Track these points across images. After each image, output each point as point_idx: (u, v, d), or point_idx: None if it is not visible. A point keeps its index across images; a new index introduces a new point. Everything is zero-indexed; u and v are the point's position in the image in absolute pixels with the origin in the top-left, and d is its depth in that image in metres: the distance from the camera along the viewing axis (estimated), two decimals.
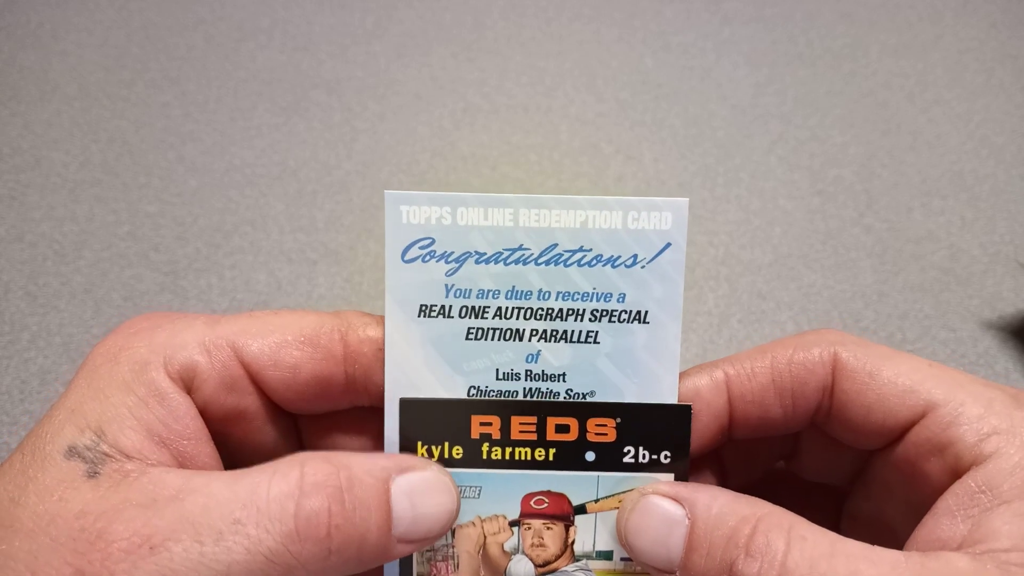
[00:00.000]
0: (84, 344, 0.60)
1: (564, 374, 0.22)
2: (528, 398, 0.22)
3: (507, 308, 0.21)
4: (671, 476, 0.21)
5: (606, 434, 0.21)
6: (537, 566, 0.21)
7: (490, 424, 0.21)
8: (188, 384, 0.21)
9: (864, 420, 0.20)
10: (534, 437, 0.21)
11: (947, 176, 0.77)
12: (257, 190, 0.73)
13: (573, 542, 0.21)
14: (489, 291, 0.21)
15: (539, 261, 0.21)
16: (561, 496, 0.21)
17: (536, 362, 0.22)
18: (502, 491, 0.21)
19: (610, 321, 0.22)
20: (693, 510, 0.19)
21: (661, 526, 0.20)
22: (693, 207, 0.73)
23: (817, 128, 0.82)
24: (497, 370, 0.22)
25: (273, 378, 0.21)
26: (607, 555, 0.22)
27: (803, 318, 0.64)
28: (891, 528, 0.21)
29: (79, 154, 0.76)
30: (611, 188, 0.73)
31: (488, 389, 0.22)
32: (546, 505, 0.21)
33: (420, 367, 0.21)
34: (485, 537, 0.21)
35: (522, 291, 0.21)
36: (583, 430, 0.21)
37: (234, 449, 0.23)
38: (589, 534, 0.21)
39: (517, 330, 0.21)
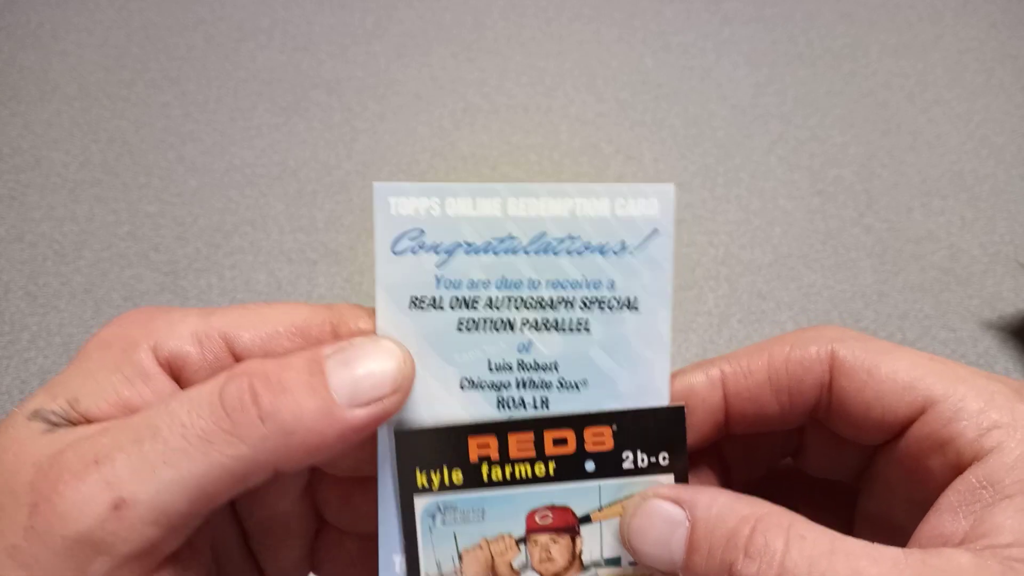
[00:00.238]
0: None
1: (556, 363, 0.21)
2: (521, 389, 0.21)
3: (498, 298, 0.21)
4: (671, 477, 0.21)
5: (603, 442, 0.21)
6: None
7: (487, 445, 0.21)
8: (177, 373, 0.21)
9: (863, 417, 0.20)
10: (533, 453, 0.21)
11: (947, 176, 0.77)
12: (257, 190, 0.73)
13: (581, 552, 0.21)
14: (479, 282, 0.21)
15: (529, 250, 0.21)
16: (565, 509, 0.21)
17: (528, 352, 0.21)
18: (506, 510, 0.21)
19: (600, 309, 0.21)
20: (693, 511, 0.19)
21: (663, 528, 0.20)
22: (693, 207, 0.73)
23: (817, 128, 0.82)
24: (489, 361, 0.21)
25: None
26: (615, 561, 0.21)
27: (803, 318, 0.64)
28: (900, 526, 0.21)
29: (79, 154, 0.76)
30: None
31: (480, 380, 0.21)
32: (550, 519, 0.21)
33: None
34: (493, 558, 0.21)
35: (512, 281, 0.21)
36: (580, 440, 0.21)
37: None
38: (596, 543, 0.21)
39: (508, 320, 0.21)
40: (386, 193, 0.21)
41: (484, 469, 0.21)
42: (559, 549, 0.21)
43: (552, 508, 0.21)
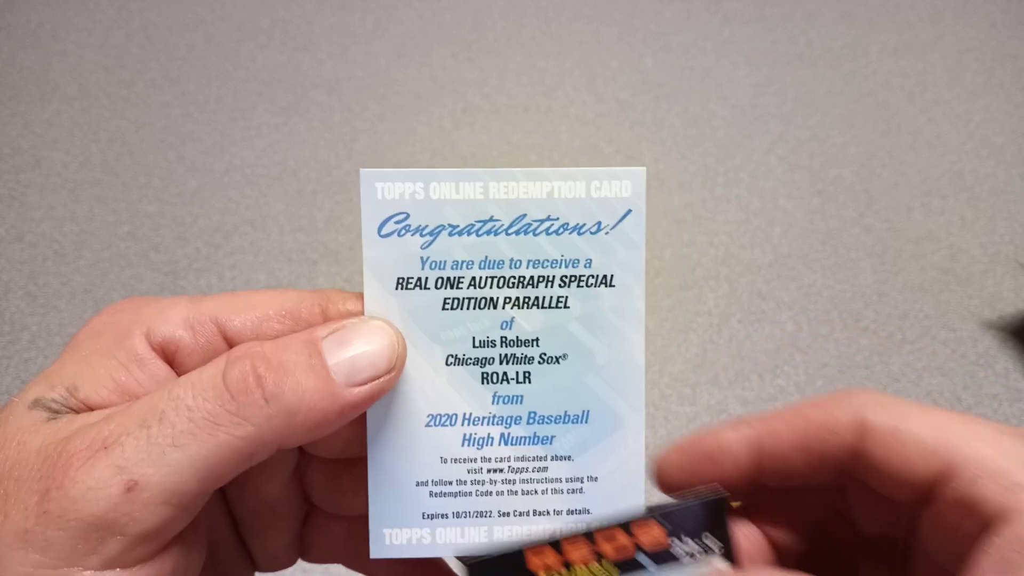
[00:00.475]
0: None
1: (537, 339, 0.22)
2: (504, 364, 0.22)
3: (481, 278, 0.22)
4: (720, 557, 0.22)
5: (653, 535, 0.22)
6: None
7: (546, 555, 0.22)
8: (170, 357, 0.22)
9: (893, 480, 0.21)
10: (591, 556, 0.22)
11: (947, 176, 0.77)
12: (257, 190, 0.73)
13: None
14: (463, 262, 0.22)
15: (510, 231, 0.22)
16: None
17: (510, 329, 0.22)
18: None
19: (579, 286, 0.22)
20: None
21: None
22: (693, 207, 0.73)
23: (817, 128, 0.82)
24: (473, 338, 0.22)
25: None
26: None
27: (803, 318, 0.64)
28: None
29: (79, 154, 0.76)
30: None
31: (465, 357, 0.22)
32: None
33: None
34: None
35: (494, 260, 0.22)
36: (631, 537, 0.22)
37: None
38: None
39: (491, 298, 0.22)
40: (372, 178, 0.22)
41: None
42: None
43: None
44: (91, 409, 0.20)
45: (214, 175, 0.75)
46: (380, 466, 0.22)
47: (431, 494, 0.22)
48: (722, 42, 0.92)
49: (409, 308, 0.22)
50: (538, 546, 0.22)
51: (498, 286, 0.22)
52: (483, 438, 0.23)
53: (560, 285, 0.22)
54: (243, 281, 0.65)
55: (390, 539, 0.23)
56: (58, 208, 0.71)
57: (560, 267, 0.22)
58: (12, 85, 0.84)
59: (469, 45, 0.91)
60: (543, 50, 0.91)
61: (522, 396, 0.23)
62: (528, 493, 0.23)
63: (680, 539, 0.22)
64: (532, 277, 0.22)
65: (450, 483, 0.23)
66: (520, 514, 0.23)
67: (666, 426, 0.57)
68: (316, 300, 0.22)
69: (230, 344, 0.22)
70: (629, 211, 0.22)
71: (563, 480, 0.23)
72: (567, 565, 0.22)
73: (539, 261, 0.22)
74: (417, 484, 0.22)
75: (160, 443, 0.18)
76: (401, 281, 0.22)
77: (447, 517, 0.23)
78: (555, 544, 0.22)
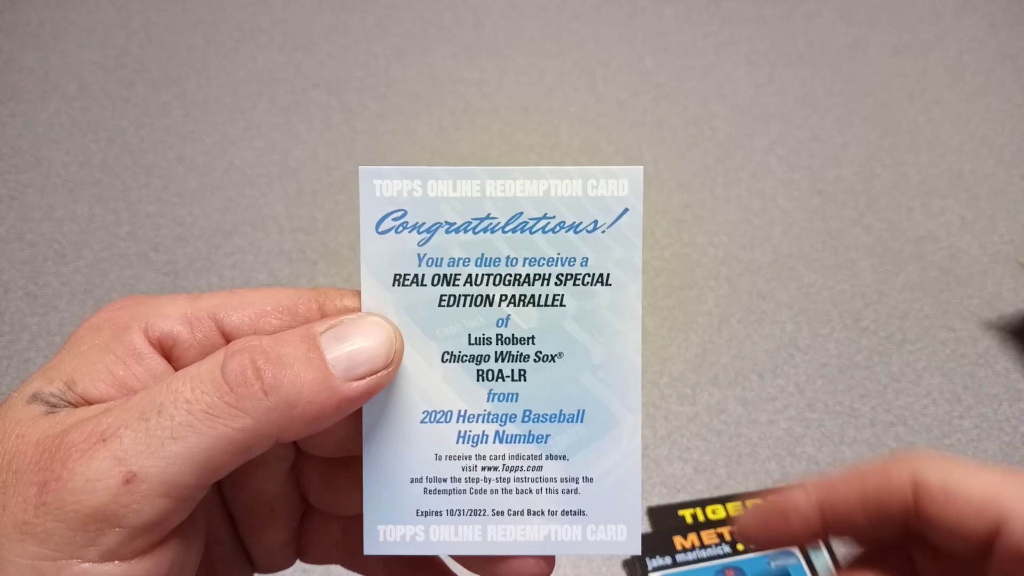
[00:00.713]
0: None
1: (533, 337, 0.22)
2: (500, 361, 0.23)
3: (477, 275, 0.22)
4: None
5: None
6: None
7: None
8: (168, 352, 0.22)
9: (949, 537, 0.22)
10: None
11: (947, 176, 0.77)
12: (257, 190, 0.73)
13: None
14: (459, 259, 0.22)
15: (506, 229, 0.22)
16: None
17: (506, 326, 0.23)
18: None
19: (575, 284, 0.22)
20: None
21: None
22: (693, 207, 0.73)
23: (817, 128, 0.82)
24: (469, 335, 0.22)
25: None
26: None
27: (803, 318, 0.64)
28: None
29: (79, 154, 0.76)
30: None
31: (461, 354, 0.22)
32: None
33: None
34: None
35: (491, 258, 0.22)
36: None
37: None
38: None
39: (487, 296, 0.22)
40: (371, 176, 0.22)
41: None
42: None
43: None
44: (89, 403, 0.20)
45: (214, 175, 0.75)
46: (375, 462, 0.22)
47: (425, 491, 0.23)
48: (722, 42, 0.92)
49: (405, 304, 0.22)
50: None
51: (494, 283, 0.22)
52: (478, 435, 0.23)
53: (556, 283, 0.22)
54: (243, 281, 0.65)
55: (384, 536, 0.23)
56: (58, 208, 0.71)
57: (556, 265, 0.22)
58: (12, 85, 0.84)
59: (469, 45, 0.91)
60: (543, 50, 0.91)
61: (517, 394, 0.23)
62: (523, 492, 0.23)
63: None
64: (528, 275, 0.22)
65: (444, 480, 0.23)
66: (514, 513, 0.23)
67: (666, 426, 0.57)
68: (313, 297, 0.22)
69: (228, 340, 0.22)
70: (626, 210, 0.22)
71: (558, 480, 0.23)
72: None
73: (535, 259, 0.22)
74: (411, 481, 0.23)
75: (159, 435, 0.18)
76: (398, 278, 0.22)
77: (441, 515, 0.23)
78: None
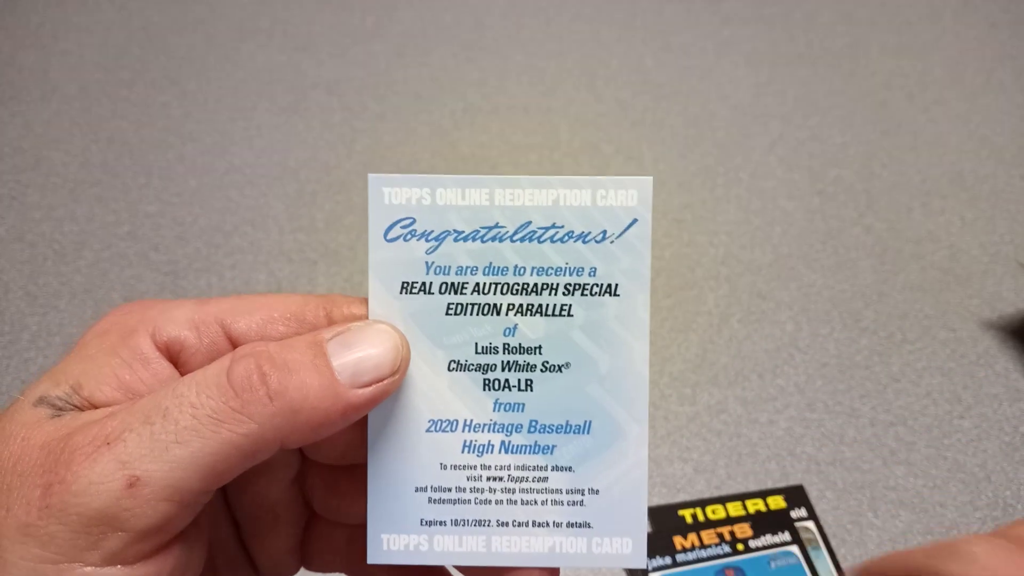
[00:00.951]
0: None
1: (540, 347, 0.22)
2: (506, 371, 0.22)
3: (484, 284, 0.22)
4: None
5: None
6: None
7: None
8: (174, 357, 0.22)
9: None
10: None
11: (947, 176, 0.77)
12: (257, 190, 0.73)
13: None
14: (467, 267, 0.22)
15: (514, 238, 0.22)
16: None
17: (513, 336, 0.22)
18: None
19: (583, 294, 0.22)
20: None
21: None
22: (693, 207, 0.73)
23: (817, 128, 0.82)
24: (476, 344, 0.22)
25: None
26: None
27: (803, 318, 0.64)
28: None
29: (79, 154, 0.76)
30: None
31: (467, 363, 0.22)
32: None
33: None
34: None
35: (498, 267, 0.22)
36: None
37: None
38: None
39: (494, 305, 0.22)
40: (380, 183, 0.22)
41: None
42: None
43: None
44: (95, 407, 0.20)
45: (214, 175, 0.75)
46: (380, 470, 0.22)
47: (430, 500, 0.22)
48: (722, 42, 0.92)
49: (413, 312, 0.22)
50: None
51: (502, 293, 0.22)
52: (483, 445, 0.22)
53: (564, 293, 0.22)
54: (243, 281, 0.65)
55: (388, 544, 0.22)
56: (58, 208, 0.71)
57: (564, 275, 0.22)
58: (12, 85, 0.84)
59: (469, 45, 0.91)
60: (543, 50, 0.91)
61: (523, 404, 0.22)
62: (528, 503, 0.22)
63: None
64: (536, 284, 0.22)
65: (449, 490, 0.22)
66: (519, 524, 0.22)
67: (666, 426, 0.57)
68: (321, 304, 0.22)
69: (234, 345, 0.22)
70: (635, 220, 0.22)
71: (563, 491, 0.23)
72: None
73: (543, 269, 0.22)
74: (416, 490, 0.22)
75: (163, 439, 0.18)
76: (405, 286, 0.22)
77: (445, 524, 0.22)
78: None
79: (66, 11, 0.93)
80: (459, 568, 0.24)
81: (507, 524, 0.22)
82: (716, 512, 0.52)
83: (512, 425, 0.22)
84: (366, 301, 0.22)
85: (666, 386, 0.59)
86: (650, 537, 0.51)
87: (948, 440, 0.57)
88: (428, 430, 0.22)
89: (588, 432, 0.22)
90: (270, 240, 0.69)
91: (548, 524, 0.22)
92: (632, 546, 0.23)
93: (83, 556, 0.18)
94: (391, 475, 0.22)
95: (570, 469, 0.22)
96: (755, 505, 0.53)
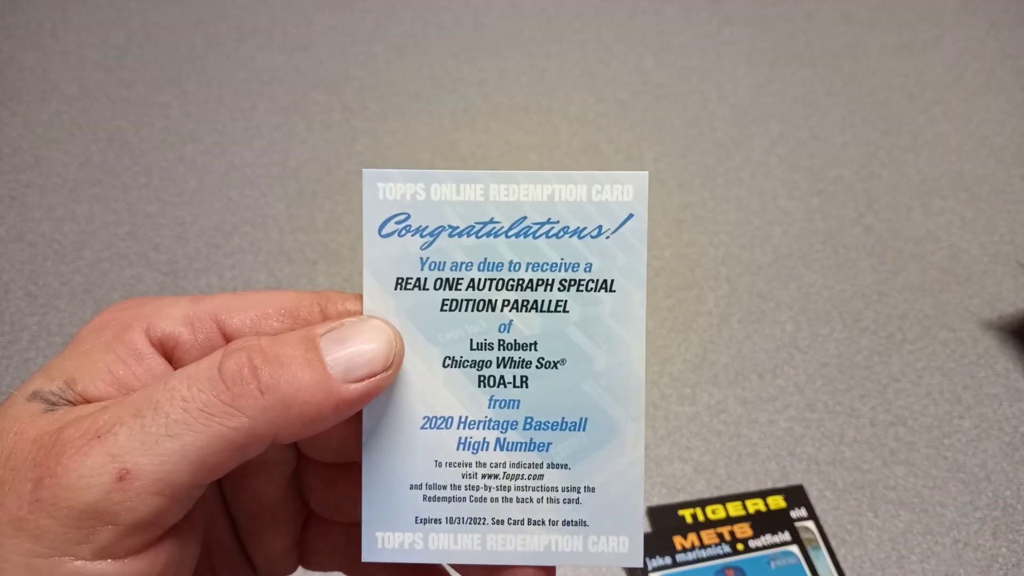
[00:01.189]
0: None
1: (535, 343, 0.22)
2: (502, 367, 0.22)
3: (479, 279, 0.22)
4: None
5: None
6: None
7: None
8: (169, 353, 0.22)
9: None
10: None
11: (947, 176, 0.77)
12: (257, 190, 0.73)
13: None
14: (462, 263, 0.22)
15: (509, 233, 0.22)
16: None
17: (508, 332, 0.22)
18: None
19: (578, 290, 0.22)
20: None
21: None
22: (693, 207, 0.73)
23: (817, 128, 0.82)
24: (471, 340, 0.22)
25: None
26: None
27: (803, 318, 0.64)
28: None
29: (79, 154, 0.76)
30: None
31: (462, 359, 0.22)
32: None
33: None
34: None
35: (493, 263, 0.22)
36: None
37: None
38: None
39: (489, 301, 0.22)
40: (375, 179, 0.22)
41: None
42: None
43: None
44: (89, 402, 0.20)
45: (214, 175, 0.75)
46: (374, 467, 0.22)
47: (425, 498, 0.22)
48: (722, 42, 0.92)
49: (407, 308, 0.22)
50: None
51: (497, 288, 0.22)
52: (478, 442, 0.22)
53: (559, 289, 0.22)
54: (243, 281, 0.65)
55: (382, 543, 0.22)
56: (58, 208, 0.71)
57: (560, 271, 0.22)
58: (12, 85, 0.84)
59: (469, 45, 0.91)
60: (543, 50, 0.91)
61: (519, 401, 0.22)
62: (523, 501, 0.22)
63: None
64: (531, 280, 0.22)
65: (444, 487, 0.22)
66: (514, 522, 0.22)
67: (666, 426, 0.57)
68: (315, 300, 0.22)
69: (229, 341, 0.22)
70: (631, 215, 0.22)
71: (559, 489, 0.22)
72: None
73: (538, 264, 0.22)
74: (411, 487, 0.22)
75: (154, 432, 0.18)
76: (400, 281, 0.22)
77: (440, 522, 0.22)
78: None
79: (66, 11, 0.93)
80: (455, 567, 0.24)
81: (502, 522, 0.22)
82: (716, 512, 0.52)
83: (507, 422, 0.22)
84: (361, 297, 0.22)
85: (666, 386, 0.59)
86: (650, 537, 0.51)
87: (948, 440, 0.57)
88: (423, 427, 0.22)
89: (584, 429, 0.22)
90: (270, 240, 0.69)
91: (544, 522, 0.22)
92: (628, 544, 0.22)
93: (74, 550, 0.18)
94: (385, 472, 0.22)
95: (566, 466, 0.22)
96: (755, 505, 0.53)
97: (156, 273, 0.66)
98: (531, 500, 0.22)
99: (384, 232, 0.22)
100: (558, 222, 0.22)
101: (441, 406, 0.22)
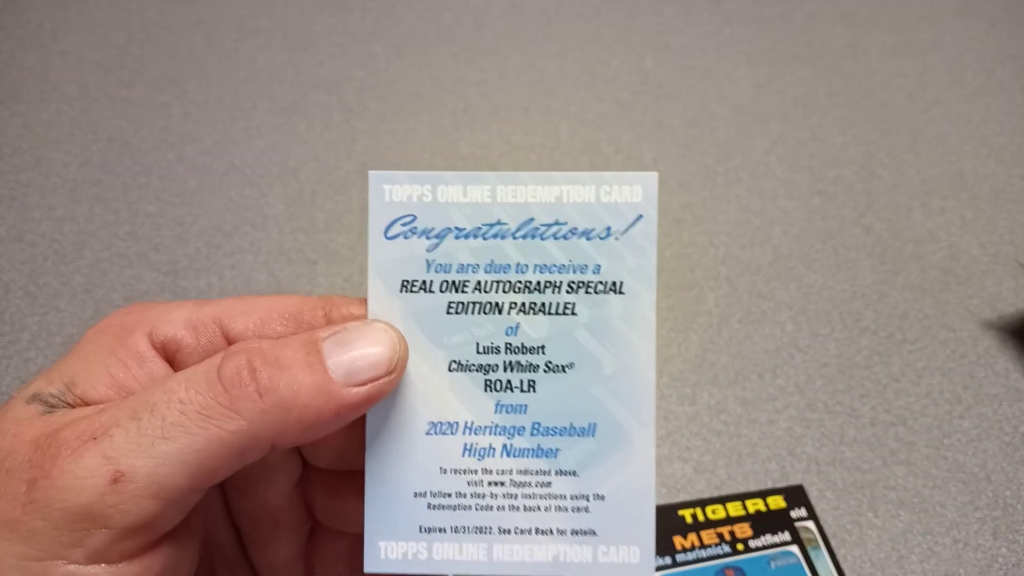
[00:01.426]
0: None
1: (543, 346, 0.22)
2: (509, 372, 0.22)
3: (486, 282, 0.22)
4: None
5: None
6: None
7: None
8: (171, 357, 0.22)
9: None
10: None
11: (947, 176, 0.77)
12: (257, 190, 0.73)
13: None
14: (468, 265, 0.22)
15: (516, 235, 0.22)
16: None
17: (515, 335, 0.22)
18: None
19: (587, 292, 0.22)
20: None
21: None
22: (693, 207, 0.73)
23: (817, 128, 0.82)
24: (477, 344, 0.22)
25: None
26: None
27: (803, 318, 0.64)
28: None
29: (79, 154, 0.76)
30: None
31: (468, 363, 0.22)
32: None
33: None
34: None
35: (500, 265, 0.22)
36: None
37: None
38: None
39: (496, 303, 0.22)
40: (380, 181, 0.22)
41: None
42: None
43: None
44: (88, 404, 0.20)
45: (214, 175, 0.75)
46: (377, 475, 0.22)
47: (429, 506, 0.22)
48: (722, 42, 0.92)
49: (413, 311, 0.22)
50: None
51: (504, 291, 0.22)
52: (485, 448, 0.22)
53: (567, 291, 0.22)
54: (243, 281, 0.65)
55: (385, 552, 0.22)
56: (58, 208, 0.71)
57: (568, 272, 0.22)
58: (12, 85, 0.84)
59: (469, 45, 0.91)
60: (543, 50, 0.91)
61: (526, 406, 0.22)
62: (530, 509, 0.22)
63: None
64: (539, 282, 0.22)
65: (449, 495, 0.22)
66: (522, 531, 0.22)
67: (666, 426, 0.57)
68: (320, 304, 0.22)
69: (231, 345, 0.22)
70: (640, 217, 0.22)
71: (567, 497, 0.22)
72: None
73: (546, 266, 0.22)
74: (415, 495, 0.22)
75: (150, 435, 0.18)
76: (406, 284, 0.22)
77: (445, 531, 0.22)
78: None
79: (66, 11, 0.93)
80: None
81: (509, 531, 0.22)
82: (716, 512, 0.52)
83: (514, 428, 0.22)
84: (365, 302, 0.22)
85: (666, 386, 0.59)
86: None
87: (948, 440, 0.57)
88: (427, 433, 0.22)
89: (593, 435, 0.22)
90: (270, 240, 0.69)
91: (552, 531, 0.22)
92: (640, 555, 0.22)
93: (66, 553, 0.18)
94: (389, 479, 0.22)
95: (574, 473, 0.22)
96: (755, 505, 0.53)
97: (156, 273, 0.66)
98: (539, 508, 0.22)
99: (390, 234, 0.22)
100: (566, 223, 0.22)
101: (446, 411, 0.22)
